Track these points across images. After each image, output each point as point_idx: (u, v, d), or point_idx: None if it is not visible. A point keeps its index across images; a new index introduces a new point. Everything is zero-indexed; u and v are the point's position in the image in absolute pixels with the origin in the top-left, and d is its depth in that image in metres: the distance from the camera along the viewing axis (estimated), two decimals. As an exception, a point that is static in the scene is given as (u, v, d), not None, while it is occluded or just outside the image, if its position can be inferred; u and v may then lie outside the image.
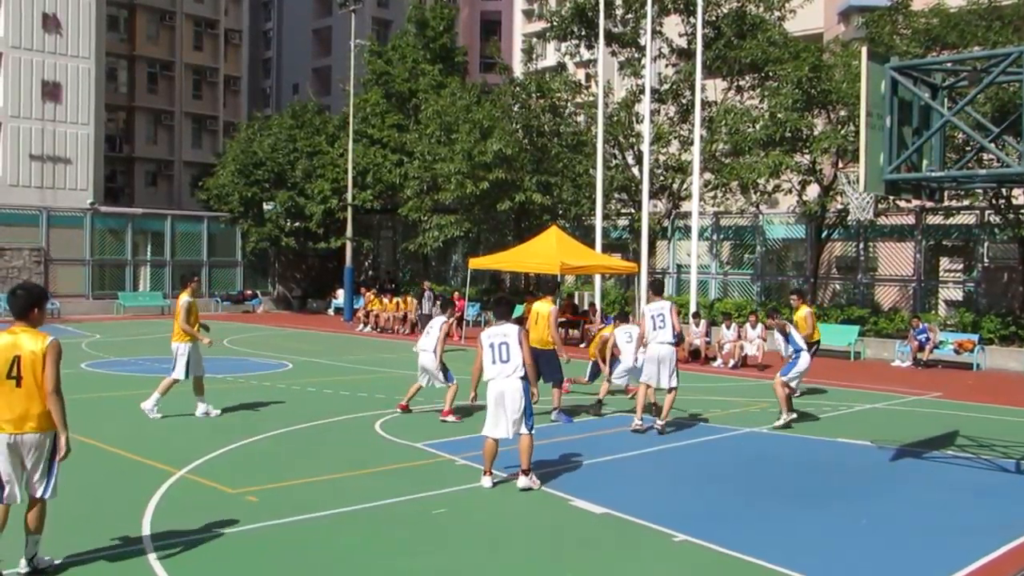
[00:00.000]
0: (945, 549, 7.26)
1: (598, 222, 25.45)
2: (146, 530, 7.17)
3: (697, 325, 21.88)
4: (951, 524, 8.02)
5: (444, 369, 12.74)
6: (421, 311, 25.21)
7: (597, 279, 26.96)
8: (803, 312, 15.73)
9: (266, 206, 35.97)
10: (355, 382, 16.60)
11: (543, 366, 12.21)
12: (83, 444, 10.52)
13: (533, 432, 8.94)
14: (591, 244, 25.71)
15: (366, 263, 40.56)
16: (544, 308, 12.93)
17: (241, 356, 20.76)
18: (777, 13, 27.10)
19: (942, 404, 15.58)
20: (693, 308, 22.90)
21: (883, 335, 23.58)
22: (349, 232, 34.01)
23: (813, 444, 11.65)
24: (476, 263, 26.48)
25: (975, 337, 21.69)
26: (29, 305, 6.18)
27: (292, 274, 40.69)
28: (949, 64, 11.34)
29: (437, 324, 12.89)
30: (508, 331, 8.94)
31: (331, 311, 36.64)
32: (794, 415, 12.75)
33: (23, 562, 6.17)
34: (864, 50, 9.88)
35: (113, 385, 15.64)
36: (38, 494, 6.17)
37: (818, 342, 16.10)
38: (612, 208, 29.70)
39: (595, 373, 14.61)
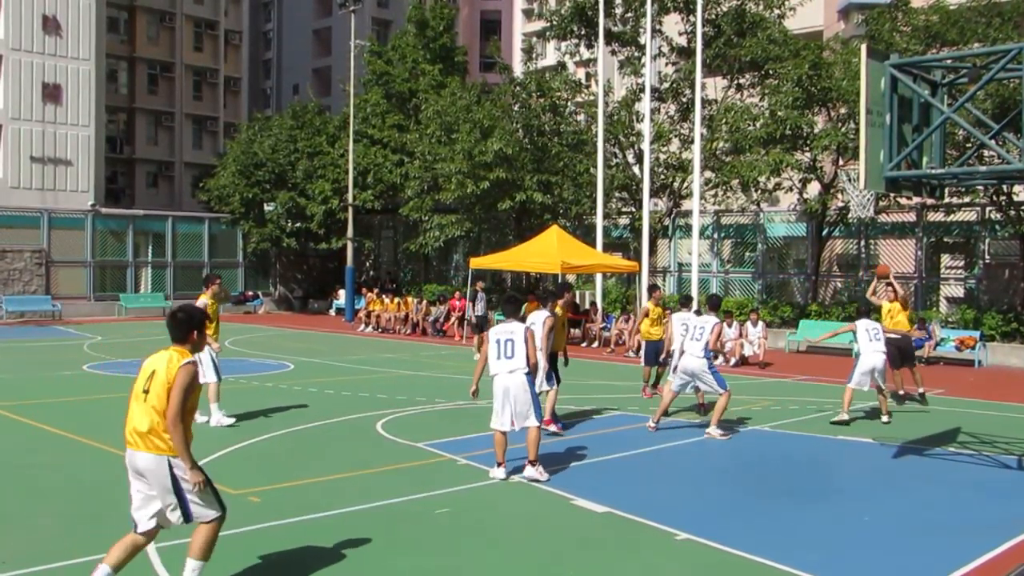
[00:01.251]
0: (947, 546, 7.26)
1: (599, 221, 25.45)
2: (148, 531, 7.16)
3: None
4: (953, 521, 8.02)
5: (548, 374, 11.53)
6: (476, 313, 24.58)
7: (598, 278, 26.96)
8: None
9: (267, 207, 35.99)
10: (356, 382, 16.60)
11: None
12: (85, 445, 10.55)
13: (541, 425, 9.22)
14: (592, 243, 25.71)
15: (367, 263, 40.57)
16: (539, 316, 11.82)
17: (242, 357, 20.77)
18: (777, 11, 27.10)
19: (944, 401, 15.57)
20: (694, 307, 22.84)
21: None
22: (350, 232, 34.03)
23: (815, 442, 11.66)
24: (477, 263, 26.47)
25: (976, 334, 21.69)
26: (189, 329, 5.83)
27: (293, 275, 40.72)
28: (949, 61, 11.34)
29: (540, 320, 11.26)
30: (515, 328, 9.20)
31: (332, 311, 36.67)
32: (846, 417, 12.79)
33: None
34: (864, 47, 9.87)
35: (114, 387, 15.64)
36: (176, 523, 5.76)
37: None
38: (613, 207, 29.70)
39: (651, 358, 14.97)
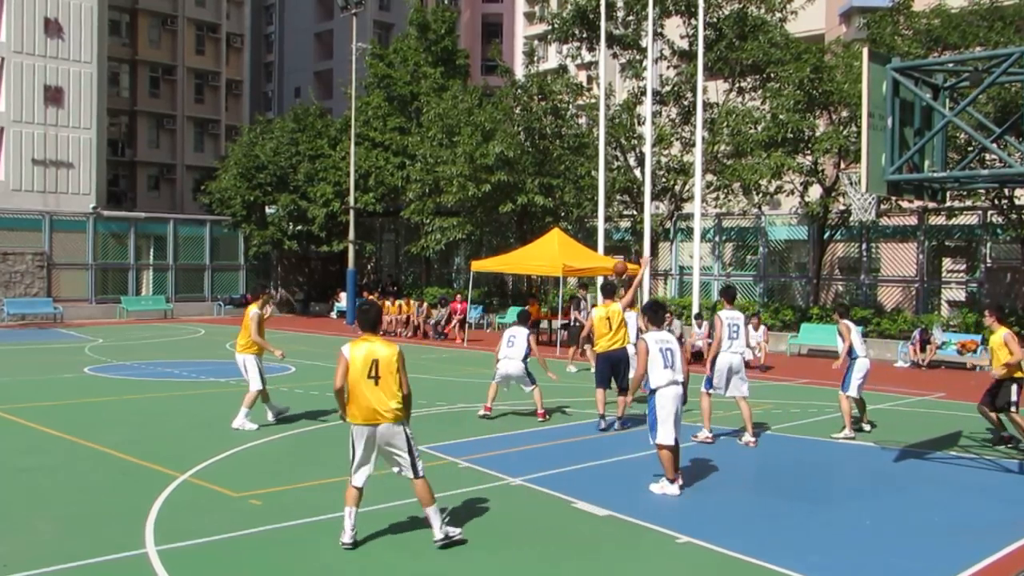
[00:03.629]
0: (949, 549, 7.25)
1: (600, 224, 25.44)
2: (149, 533, 7.17)
3: (699, 327, 21.88)
4: (955, 524, 8.01)
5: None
6: (579, 322, 21.87)
7: (599, 281, 26.95)
8: (1000, 336, 11.17)
9: (268, 209, 36.02)
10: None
11: (621, 368, 12.29)
12: (86, 448, 10.55)
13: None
14: (593, 246, 25.71)
15: (368, 266, 40.58)
16: (616, 308, 12.43)
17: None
18: (778, 14, 27.12)
19: (945, 405, 15.56)
20: (695, 310, 22.89)
21: (886, 336, 23.56)
22: (351, 235, 34.05)
23: (816, 445, 11.65)
24: (478, 265, 26.50)
25: (978, 338, 21.66)
26: (379, 319, 7.45)
27: (295, 277, 40.75)
28: (950, 65, 11.35)
29: (522, 336, 13.02)
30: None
31: (334, 314, 36.67)
32: (847, 430, 11.94)
33: (437, 532, 6.96)
34: (865, 51, 9.88)
35: (116, 389, 15.66)
36: (410, 475, 7.08)
37: (1018, 380, 10.96)
38: (614, 210, 29.71)
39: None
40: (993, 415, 11.40)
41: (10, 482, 8.98)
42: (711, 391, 11.73)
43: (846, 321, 12.32)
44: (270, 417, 12.29)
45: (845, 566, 6.79)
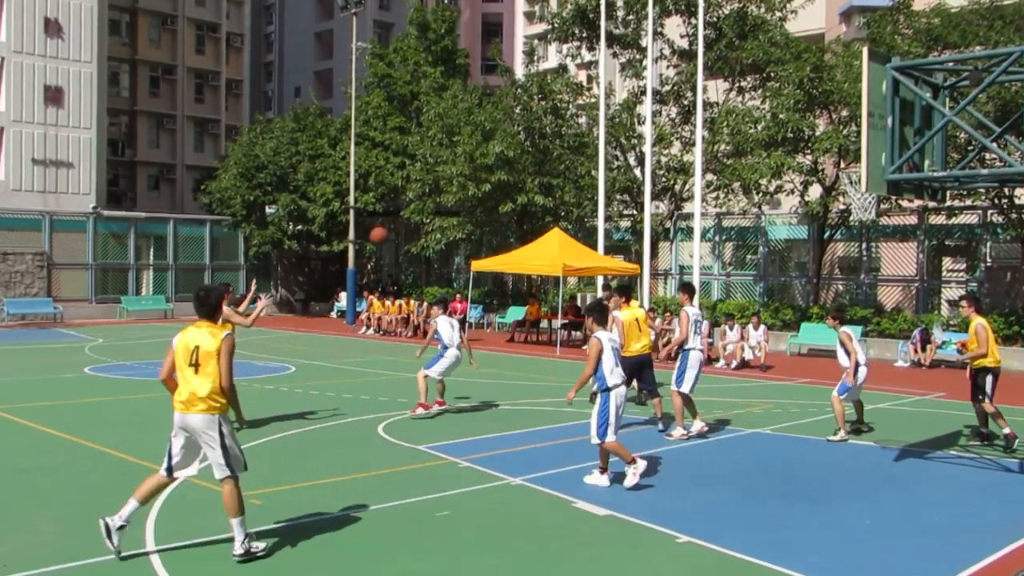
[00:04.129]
0: (949, 549, 7.25)
1: (600, 224, 25.44)
2: (149, 533, 7.18)
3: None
4: (955, 524, 8.01)
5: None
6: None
7: (599, 281, 26.96)
8: (972, 324, 11.70)
9: (268, 209, 36.02)
10: (358, 385, 16.60)
11: (644, 371, 12.27)
12: (87, 448, 10.54)
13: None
14: (593, 246, 25.72)
15: (368, 266, 40.59)
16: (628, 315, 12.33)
17: (244, 359, 20.76)
18: (778, 14, 27.12)
19: (946, 404, 15.56)
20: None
21: (886, 335, 23.56)
22: (351, 235, 34.05)
23: (817, 445, 11.64)
24: (478, 265, 26.50)
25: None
26: (218, 305, 6.94)
27: (295, 277, 40.75)
28: (951, 64, 11.34)
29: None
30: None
31: (334, 314, 36.67)
32: (842, 433, 11.79)
33: (237, 546, 6.58)
34: (865, 50, 9.88)
35: (116, 389, 15.65)
36: (217, 473, 6.67)
37: (991, 370, 11.60)
38: (614, 210, 29.72)
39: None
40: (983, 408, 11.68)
41: (10, 482, 8.98)
42: (682, 389, 11.72)
43: (847, 329, 11.98)
44: None
45: (845, 566, 6.79)
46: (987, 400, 11.48)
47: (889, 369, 21.13)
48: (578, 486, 8.95)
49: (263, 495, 8.45)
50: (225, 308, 11.52)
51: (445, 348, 13.08)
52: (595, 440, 8.88)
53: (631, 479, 8.83)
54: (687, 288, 12.64)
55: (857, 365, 11.83)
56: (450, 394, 15.15)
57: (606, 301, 12.51)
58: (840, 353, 11.94)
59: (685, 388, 11.74)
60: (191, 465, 6.82)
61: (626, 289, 12.96)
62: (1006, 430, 11.32)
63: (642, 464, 8.90)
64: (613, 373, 8.82)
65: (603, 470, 9.05)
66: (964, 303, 12.04)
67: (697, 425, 11.86)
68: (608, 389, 8.82)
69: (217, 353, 6.56)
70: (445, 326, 13.15)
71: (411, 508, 8.14)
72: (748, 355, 20.86)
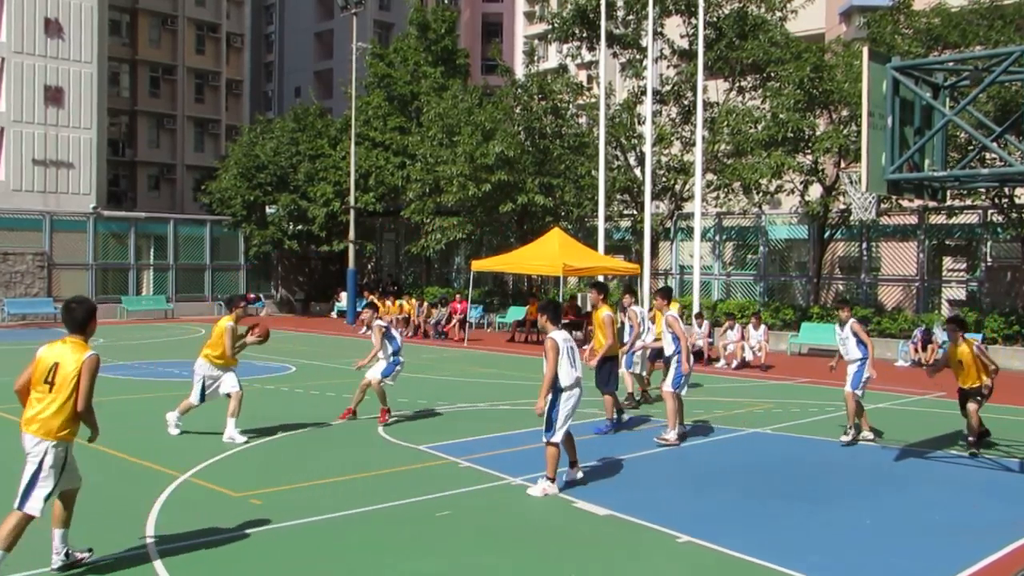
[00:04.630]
0: (949, 548, 7.25)
1: (600, 224, 25.44)
2: (151, 533, 7.18)
3: (700, 326, 21.87)
4: (955, 523, 8.01)
5: None
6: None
7: (598, 279, 26.97)
8: (971, 348, 11.46)
9: (269, 209, 36.03)
10: (358, 385, 16.56)
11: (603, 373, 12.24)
12: (87, 448, 10.53)
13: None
14: (593, 246, 25.72)
15: (369, 266, 40.60)
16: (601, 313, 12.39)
17: (245, 359, 20.72)
18: (779, 13, 27.12)
19: (946, 404, 15.54)
20: (696, 309, 22.89)
21: (887, 335, 23.56)
22: (352, 235, 34.06)
23: (817, 444, 11.64)
24: (479, 265, 26.50)
25: (978, 337, 21.65)
26: (87, 319, 6.32)
27: (295, 277, 40.76)
28: (951, 64, 11.35)
29: None
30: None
31: (334, 314, 36.67)
32: (853, 432, 11.53)
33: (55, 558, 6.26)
34: (865, 50, 9.88)
35: (117, 389, 15.65)
36: (15, 503, 6.02)
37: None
38: (614, 209, 29.72)
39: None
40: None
41: (10, 482, 8.96)
42: (679, 391, 11.42)
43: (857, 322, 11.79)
44: (172, 424, 11.26)
45: (845, 566, 6.79)
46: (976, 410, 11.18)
47: (890, 369, 21.12)
48: (578, 486, 8.94)
49: (263, 495, 8.46)
50: (231, 320, 11.05)
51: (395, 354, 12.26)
52: (543, 439, 8.72)
53: (537, 490, 8.56)
54: (665, 293, 12.44)
55: (864, 355, 11.51)
56: (451, 394, 15.16)
57: (595, 300, 12.63)
58: (852, 344, 11.57)
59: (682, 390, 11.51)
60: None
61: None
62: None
63: (554, 488, 8.59)
64: (566, 374, 8.58)
65: (551, 478, 8.67)
66: (949, 328, 11.52)
67: (672, 435, 11.36)
68: (560, 390, 8.59)
69: (77, 375, 6.04)
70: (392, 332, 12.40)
71: (411, 508, 8.14)
72: (748, 355, 20.86)
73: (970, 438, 11.17)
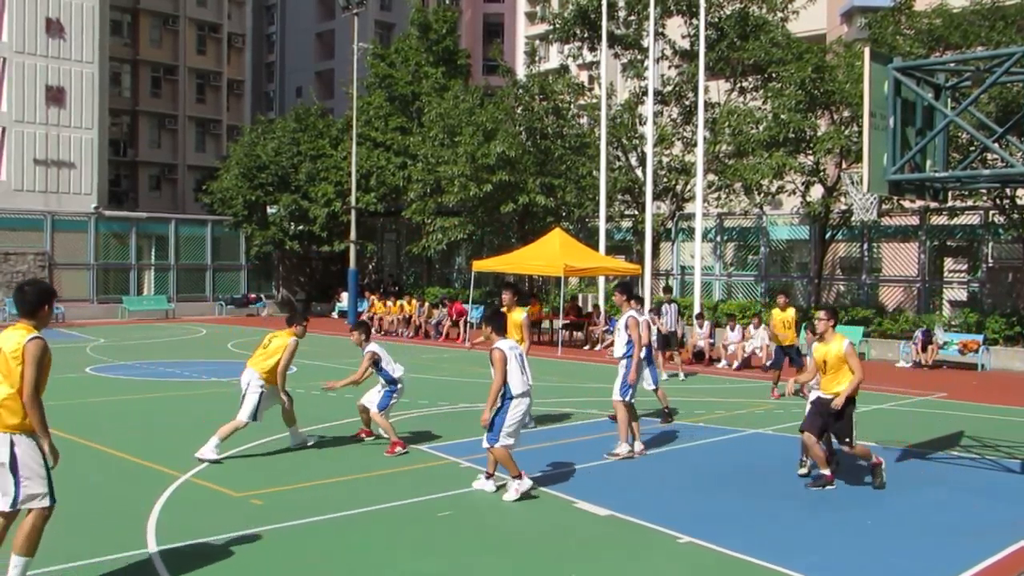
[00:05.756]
0: (950, 550, 7.24)
1: (601, 224, 25.45)
2: (151, 534, 7.18)
3: (701, 327, 21.87)
4: (956, 525, 8.00)
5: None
6: (663, 328, 18.42)
7: (600, 281, 26.97)
8: (843, 343, 9.18)
9: (270, 209, 36.05)
10: (359, 385, 16.55)
11: None
12: (88, 448, 10.55)
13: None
14: (594, 246, 25.72)
15: (370, 266, 40.60)
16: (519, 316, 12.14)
17: (245, 359, 20.75)
18: (780, 14, 27.11)
19: (947, 405, 15.55)
20: (697, 309, 22.89)
21: (888, 336, 23.55)
22: (353, 235, 34.08)
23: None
24: (480, 265, 26.49)
25: (979, 338, 21.65)
26: (39, 303, 5.72)
27: (296, 277, 40.78)
28: (952, 64, 11.33)
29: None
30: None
31: (335, 314, 36.67)
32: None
33: None
34: (867, 51, 9.87)
35: (118, 389, 15.66)
36: (4, 506, 5.56)
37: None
38: (615, 210, 29.72)
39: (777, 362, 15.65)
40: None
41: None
42: (627, 399, 10.50)
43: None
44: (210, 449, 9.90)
45: (845, 566, 6.79)
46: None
47: (891, 369, 21.12)
48: (579, 486, 8.94)
49: (264, 495, 8.46)
50: (293, 339, 10.29)
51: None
52: (485, 444, 8.53)
53: (512, 493, 8.41)
54: (626, 289, 11.48)
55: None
56: (451, 394, 15.16)
57: (508, 303, 12.15)
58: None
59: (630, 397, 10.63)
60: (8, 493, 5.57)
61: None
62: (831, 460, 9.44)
63: (527, 483, 8.48)
64: (517, 382, 8.44)
65: (517, 476, 8.50)
66: (822, 315, 9.33)
67: (624, 448, 10.53)
68: (511, 398, 8.42)
69: (19, 359, 5.46)
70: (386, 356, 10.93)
71: (412, 508, 8.14)
72: (749, 355, 20.86)
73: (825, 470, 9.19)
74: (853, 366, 8.96)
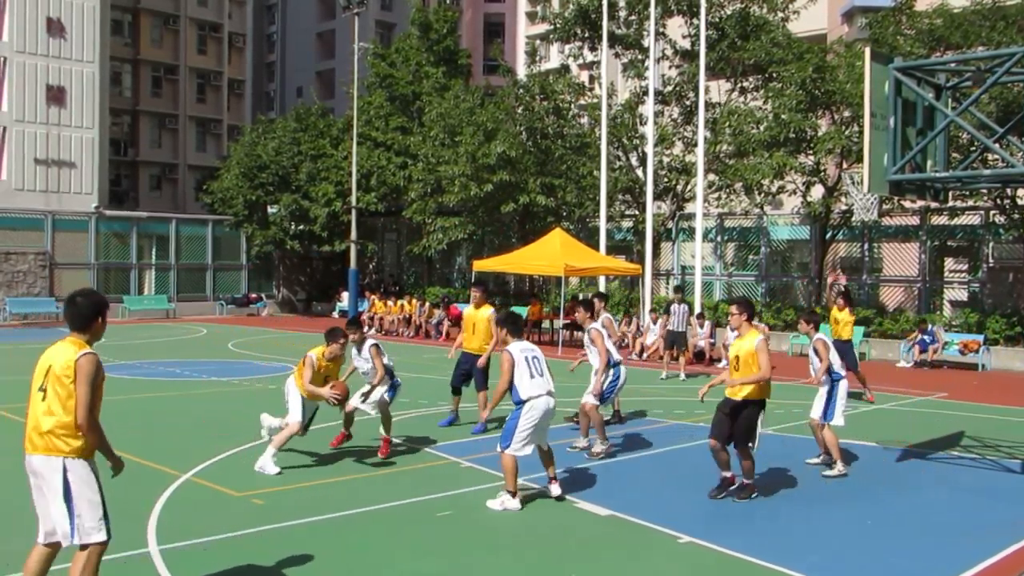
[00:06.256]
0: (950, 550, 7.24)
1: (602, 224, 25.44)
2: (152, 533, 7.19)
3: (701, 327, 21.87)
4: (956, 525, 8.00)
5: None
6: (672, 328, 18.81)
7: (601, 281, 26.96)
8: (756, 339, 8.83)
9: (270, 209, 36.06)
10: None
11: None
12: (88, 447, 10.54)
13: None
14: (595, 246, 25.71)
15: (370, 266, 40.61)
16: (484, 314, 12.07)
17: (246, 359, 20.78)
18: (781, 14, 27.11)
19: (947, 405, 15.55)
20: (697, 310, 22.88)
21: (888, 336, 23.55)
22: (353, 235, 34.07)
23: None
24: (480, 265, 26.49)
25: (980, 338, 21.65)
26: (93, 315, 5.24)
27: (296, 277, 40.78)
28: (953, 64, 11.33)
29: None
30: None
31: (336, 314, 36.66)
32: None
33: None
34: (867, 51, 9.87)
35: (118, 389, 15.64)
36: (63, 540, 5.13)
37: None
38: (616, 210, 29.71)
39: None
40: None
41: (12, 481, 8.98)
42: (599, 403, 10.54)
43: (822, 337, 10.30)
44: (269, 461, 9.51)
45: (845, 566, 6.79)
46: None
47: (891, 369, 21.11)
48: (579, 486, 8.94)
49: (265, 495, 8.47)
50: (310, 352, 9.73)
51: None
52: (498, 448, 8.23)
53: (496, 504, 8.08)
54: (589, 307, 11.43)
55: (835, 376, 10.12)
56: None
57: (478, 300, 12.19)
58: (816, 366, 10.21)
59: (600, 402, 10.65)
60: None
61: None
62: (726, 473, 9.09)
63: (515, 503, 8.06)
64: (527, 386, 8.14)
65: (512, 492, 8.12)
66: (734, 308, 9.09)
67: (599, 447, 10.60)
68: (521, 402, 8.15)
69: (71, 377, 5.01)
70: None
71: (412, 508, 8.15)
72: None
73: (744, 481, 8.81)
74: (761, 362, 8.40)
